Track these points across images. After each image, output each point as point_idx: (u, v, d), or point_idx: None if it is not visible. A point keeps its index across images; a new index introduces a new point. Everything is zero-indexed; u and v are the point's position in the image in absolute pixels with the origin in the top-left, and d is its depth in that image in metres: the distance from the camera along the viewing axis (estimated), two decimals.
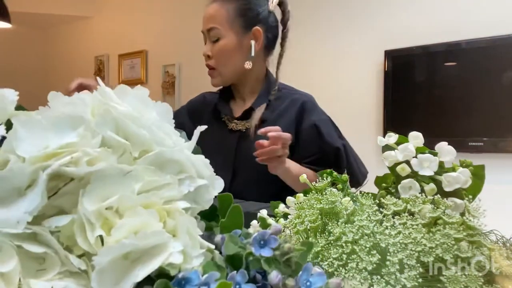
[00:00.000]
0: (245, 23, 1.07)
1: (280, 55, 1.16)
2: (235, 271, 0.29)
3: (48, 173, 0.26)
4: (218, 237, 0.34)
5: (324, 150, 1.06)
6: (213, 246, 0.32)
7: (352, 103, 2.45)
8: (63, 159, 0.27)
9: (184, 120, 1.22)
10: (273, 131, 0.87)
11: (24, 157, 0.27)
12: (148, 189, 0.30)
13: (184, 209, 0.31)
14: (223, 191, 0.38)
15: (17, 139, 0.28)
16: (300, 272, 0.30)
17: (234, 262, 0.32)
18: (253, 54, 1.07)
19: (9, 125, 0.30)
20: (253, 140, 0.98)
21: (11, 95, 0.33)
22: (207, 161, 0.35)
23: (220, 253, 0.32)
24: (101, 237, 0.27)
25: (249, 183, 1.07)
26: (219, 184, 0.37)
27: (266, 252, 0.31)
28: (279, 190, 1.00)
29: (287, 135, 0.89)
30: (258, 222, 0.51)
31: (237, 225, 0.37)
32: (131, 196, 0.28)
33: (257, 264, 0.31)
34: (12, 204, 0.27)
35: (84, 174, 0.27)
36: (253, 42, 1.07)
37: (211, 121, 1.17)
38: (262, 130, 0.88)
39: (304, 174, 0.57)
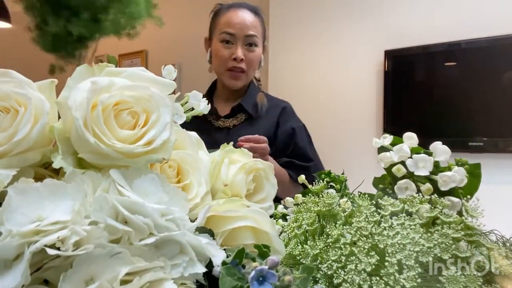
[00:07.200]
0: (263, 38, 1.26)
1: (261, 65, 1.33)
2: None
3: (31, 251, 0.26)
4: (216, 270, 0.32)
5: (296, 153, 1.21)
6: None
7: (352, 103, 2.44)
8: (48, 237, 0.26)
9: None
10: (252, 140, 0.97)
11: (12, 230, 0.27)
12: (135, 271, 0.28)
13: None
14: None
15: (10, 210, 0.27)
16: None
17: None
18: (262, 64, 1.28)
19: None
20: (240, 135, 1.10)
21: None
22: (214, 243, 0.34)
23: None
24: None
25: None
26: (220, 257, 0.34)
27: None
28: None
29: (262, 146, 0.98)
30: None
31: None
32: (111, 285, 0.27)
33: None
34: None
35: (68, 255, 0.27)
36: (262, 55, 1.27)
37: (200, 121, 1.27)
38: (243, 138, 0.98)
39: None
